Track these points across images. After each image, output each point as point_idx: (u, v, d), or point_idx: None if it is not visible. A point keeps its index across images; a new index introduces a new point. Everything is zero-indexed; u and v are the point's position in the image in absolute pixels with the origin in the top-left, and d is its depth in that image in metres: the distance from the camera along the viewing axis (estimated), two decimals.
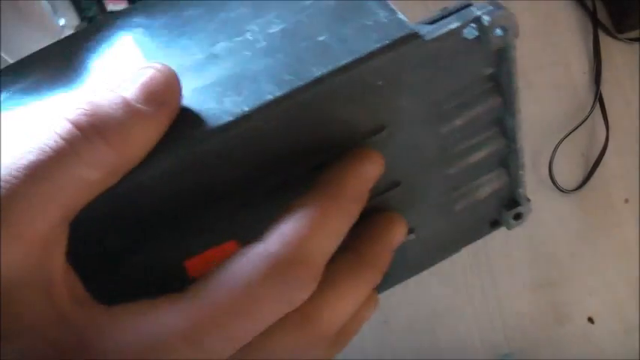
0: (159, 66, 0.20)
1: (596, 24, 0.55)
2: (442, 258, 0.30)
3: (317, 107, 0.21)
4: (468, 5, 0.22)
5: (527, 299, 0.50)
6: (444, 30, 0.21)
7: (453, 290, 0.49)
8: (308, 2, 0.23)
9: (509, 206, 0.29)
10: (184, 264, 0.22)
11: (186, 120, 0.20)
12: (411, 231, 0.27)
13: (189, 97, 0.21)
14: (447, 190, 0.27)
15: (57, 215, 0.18)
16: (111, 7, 0.34)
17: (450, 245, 0.30)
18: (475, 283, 0.50)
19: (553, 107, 0.54)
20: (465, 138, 0.26)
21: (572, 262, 0.51)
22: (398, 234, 0.25)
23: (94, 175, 0.18)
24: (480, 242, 0.32)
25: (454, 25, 0.21)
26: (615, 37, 0.55)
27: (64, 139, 0.18)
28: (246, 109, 0.20)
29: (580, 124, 0.52)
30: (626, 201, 0.53)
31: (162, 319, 0.19)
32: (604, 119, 0.53)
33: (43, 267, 0.18)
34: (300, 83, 0.20)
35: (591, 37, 0.55)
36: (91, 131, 0.18)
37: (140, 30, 0.24)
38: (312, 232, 0.20)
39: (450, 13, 0.22)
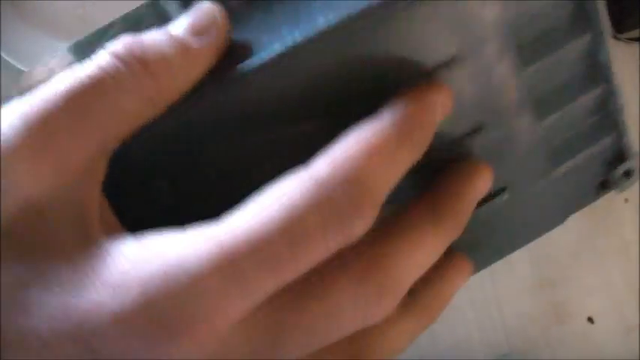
0: (205, 3, 0.19)
1: None
2: (545, 229, 0.27)
3: (381, 33, 0.19)
4: None
5: (527, 299, 0.50)
6: None
7: None
8: None
9: (616, 163, 0.26)
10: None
11: (235, 53, 0.19)
12: (502, 190, 0.24)
13: (238, 32, 0.19)
14: (541, 144, 0.24)
15: (94, 145, 0.18)
16: None
17: (552, 214, 0.26)
18: (475, 283, 0.50)
19: None
20: (554, 79, 0.23)
21: (572, 262, 0.51)
22: (480, 181, 0.22)
23: (133, 105, 0.18)
24: None
25: None
26: (615, 37, 0.55)
27: (102, 68, 0.18)
28: (299, 37, 0.19)
29: None
30: (626, 201, 0.53)
31: (191, 245, 0.17)
32: None
33: (77, 194, 0.18)
34: (360, 18, 0.18)
35: None
36: (132, 60, 0.18)
37: None
38: (367, 156, 0.18)
39: None
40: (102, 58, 0.18)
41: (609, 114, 0.25)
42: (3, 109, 0.17)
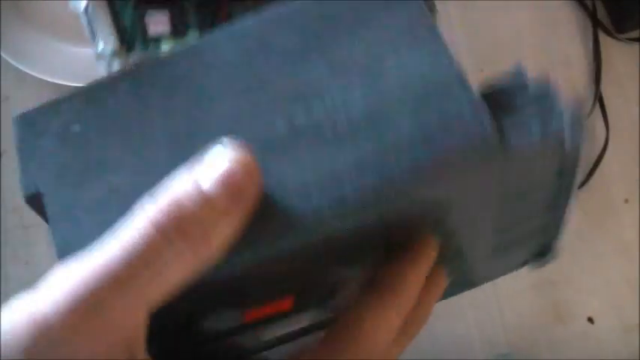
0: (239, 154, 0.19)
1: (596, 24, 0.55)
2: (466, 289, 0.31)
3: (394, 213, 0.20)
4: (546, 94, 0.21)
5: (527, 299, 0.50)
6: (533, 138, 0.20)
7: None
8: (390, 64, 0.21)
9: (540, 253, 0.29)
10: (242, 314, 0.22)
11: (267, 216, 0.19)
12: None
13: (272, 189, 0.20)
14: (488, 251, 0.28)
15: (141, 317, 0.18)
16: (152, 29, 0.33)
17: (475, 281, 0.31)
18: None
19: None
20: (518, 215, 0.26)
21: (572, 262, 0.51)
22: (436, 284, 0.25)
23: (174, 274, 0.18)
24: None
25: (546, 132, 0.20)
26: (615, 37, 0.55)
27: (147, 243, 0.18)
28: (328, 213, 0.19)
29: None
30: (626, 201, 0.53)
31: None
32: (604, 119, 0.53)
33: (123, 356, 0.18)
34: (385, 195, 0.19)
35: (591, 37, 0.55)
36: (173, 232, 0.18)
37: (203, 74, 0.22)
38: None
39: (525, 100, 0.21)
40: (144, 230, 0.18)
41: (551, 230, 0.28)
42: (53, 277, 0.18)
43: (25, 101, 0.49)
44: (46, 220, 0.21)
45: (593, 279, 0.51)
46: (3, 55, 0.47)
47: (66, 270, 0.18)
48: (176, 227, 0.18)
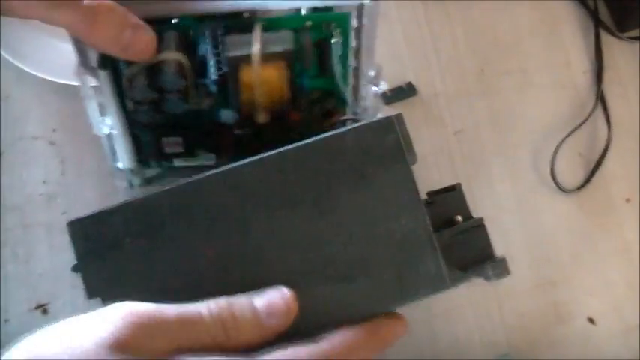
0: (286, 293, 0.26)
1: (598, 23, 0.55)
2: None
3: None
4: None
5: (527, 299, 0.50)
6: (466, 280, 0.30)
7: (452, 290, 0.49)
8: (381, 225, 0.28)
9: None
10: None
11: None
12: None
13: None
14: None
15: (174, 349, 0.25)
16: (167, 149, 0.37)
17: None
18: (475, 283, 0.50)
19: (554, 107, 0.53)
20: None
21: (572, 262, 0.51)
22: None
23: (207, 342, 0.25)
24: None
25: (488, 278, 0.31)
26: (617, 36, 0.55)
27: (201, 314, 0.25)
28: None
29: (581, 124, 0.52)
30: (627, 201, 0.53)
31: None
32: (605, 119, 0.53)
33: None
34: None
35: (592, 36, 0.55)
36: (218, 321, 0.25)
37: (239, 204, 0.27)
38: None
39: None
40: (204, 309, 0.25)
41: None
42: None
43: (25, 100, 0.49)
44: None
45: (593, 279, 0.51)
46: (3, 54, 0.47)
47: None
48: (223, 320, 0.25)
